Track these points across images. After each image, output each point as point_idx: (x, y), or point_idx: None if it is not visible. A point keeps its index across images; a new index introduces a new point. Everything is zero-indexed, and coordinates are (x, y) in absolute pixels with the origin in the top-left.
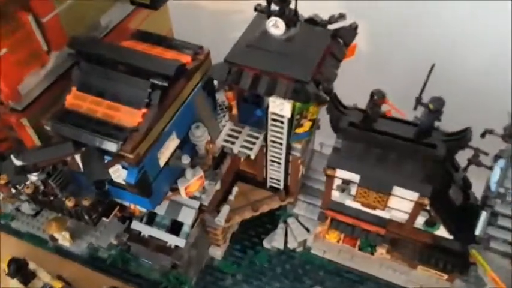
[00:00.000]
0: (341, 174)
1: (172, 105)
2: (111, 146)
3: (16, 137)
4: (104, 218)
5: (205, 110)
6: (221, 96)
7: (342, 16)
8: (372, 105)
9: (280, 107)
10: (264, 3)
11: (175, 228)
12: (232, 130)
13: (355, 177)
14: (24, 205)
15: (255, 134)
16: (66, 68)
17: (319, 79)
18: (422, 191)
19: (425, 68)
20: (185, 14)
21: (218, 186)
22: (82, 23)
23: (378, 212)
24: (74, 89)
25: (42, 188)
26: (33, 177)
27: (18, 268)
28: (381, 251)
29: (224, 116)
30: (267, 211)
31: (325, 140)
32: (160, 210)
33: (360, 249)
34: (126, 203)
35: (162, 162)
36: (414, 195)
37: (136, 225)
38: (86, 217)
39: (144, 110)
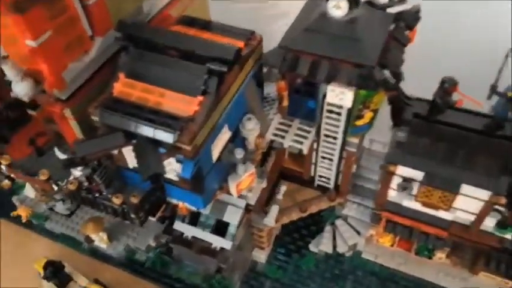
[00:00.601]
0: (402, 171)
1: (227, 93)
2: (167, 137)
3: (55, 130)
4: (150, 217)
5: (255, 100)
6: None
7: (402, 0)
8: (441, 94)
9: (340, 96)
10: None
11: (219, 229)
12: (282, 123)
13: (418, 175)
14: (58, 205)
15: (307, 128)
16: (110, 56)
17: (385, 64)
18: (496, 189)
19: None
20: (220, 5)
21: (264, 184)
22: (125, 8)
23: (440, 213)
24: (122, 75)
25: (86, 184)
26: (77, 172)
27: (55, 271)
28: (440, 255)
29: (271, 108)
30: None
31: (374, 135)
32: (205, 209)
33: (416, 253)
34: (174, 201)
35: (214, 157)
36: (485, 194)
37: (178, 225)
38: (133, 216)
39: (200, 98)
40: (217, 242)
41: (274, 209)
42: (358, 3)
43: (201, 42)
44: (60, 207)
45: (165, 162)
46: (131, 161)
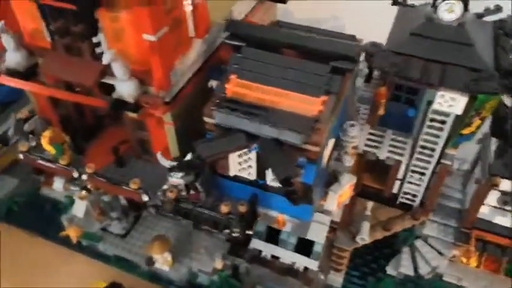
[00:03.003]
0: (503, 184)
1: (342, 95)
2: (295, 138)
3: (141, 137)
4: (248, 231)
5: (353, 106)
6: None
7: (498, 9)
8: None
9: (450, 102)
10: None
11: (299, 247)
12: (372, 134)
13: None
14: (114, 224)
15: (402, 139)
16: (205, 59)
17: (501, 69)
18: None
19: None
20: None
21: (347, 201)
22: (216, 14)
23: None
24: (233, 77)
25: (184, 193)
26: (177, 180)
27: None
28: None
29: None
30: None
31: None
32: (286, 226)
33: (506, 274)
34: (272, 213)
35: (324, 163)
36: None
37: (257, 244)
38: (235, 228)
39: (323, 98)
40: (301, 261)
41: (365, 226)
42: (467, 7)
43: (321, 40)
44: (115, 227)
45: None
46: (234, 167)
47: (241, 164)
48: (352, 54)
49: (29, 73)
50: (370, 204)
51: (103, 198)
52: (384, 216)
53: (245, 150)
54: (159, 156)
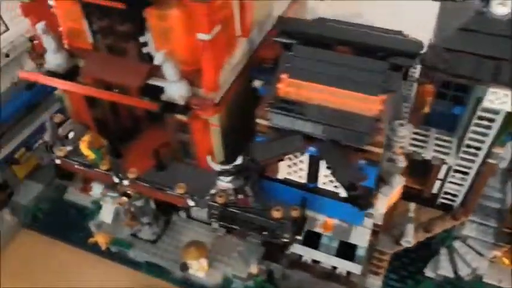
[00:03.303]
0: None
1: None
2: (358, 139)
3: (183, 140)
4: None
5: (400, 104)
6: None
7: None
8: None
9: (502, 99)
10: None
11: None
12: (417, 133)
13: None
14: (144, 229)
15: (447, 138)
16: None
17: None
18: None
19: None
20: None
21: (388, 202)
22: (262, 11)
23: None
24: (284, 76)
25: (232, 198)
26: (226, 184)
27: None
28: None
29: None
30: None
31: None
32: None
33: None
34: (321, 217)
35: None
36: None
37: (297, 248)
38: (287, 233)
39: (383, 96)
40: (345, 266)
41: (409, 229)
42: None
43: (378, 36)
44: (146, 232)
45: (323, 171)
46: (283, 170)
47: (291, 166)
48: (416, 50)
49: (68, 75)
50: (412, 205)
51: (135, 203)
52: (423, 217)
53: (299, 152)
54: (208, 159)
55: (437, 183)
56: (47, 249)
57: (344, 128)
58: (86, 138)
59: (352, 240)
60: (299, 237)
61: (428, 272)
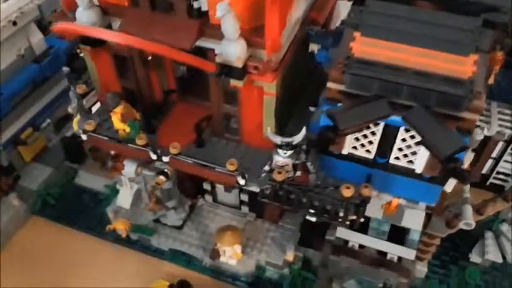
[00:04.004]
0: None
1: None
2: (456, 105)
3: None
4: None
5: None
6: None
7: None
8: None
9: None
10: None
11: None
12: None
13: None
14: (169, 214)
15: (509, 111)
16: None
17: None
18: None
19: None
20: None
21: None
22: None
23: None
24: (357, 34)
25: (292, 175)
26: (285, 159)
27: None
28: None
29: None
30: None
31: None
32: (377, 213)
33: None
34: (385, 196)
35: None
36: None
37: (343, 233)
38: (354, 215)
39: (474, 56)
40: (397, 251)
41: (467, 210)
42: None
43: None
44: (171, 217)
45: (398, 144)
46: (349, 144)
47: (359, 139)
48: (506, 4)
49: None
50: (467, 186)
51: (162, 186)
52: (473, 199)
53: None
54: (269, 131)
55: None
56: (59, 237)
57: (438, 91)
58: (119, 109)
59: (405, 223)
60: (362, 220)
61: (474, 257)
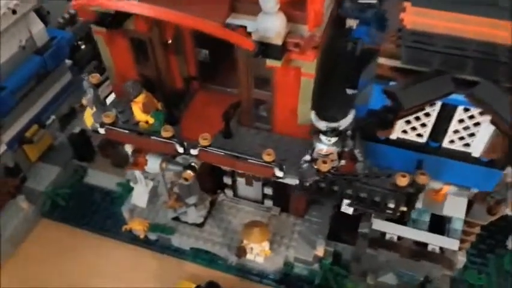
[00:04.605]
0: None
1: None
2: None
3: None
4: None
5: None
6: None
7: None
8: None
9: None
10: None
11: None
12: None
13: None
14: (190, 211)
15: None
16: None
17: None
18: None
19: None
20: None
21: None
22: None
23: None
24: (407, 4)
25: (336, 164)
26: (329, 147)
27: None
28: None
29: None
30: None
31: None
32: (418, 202)
33: None
34: (435, 184)
35: None
36: None
37: (380, 224)
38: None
39: None
40: (439, 242)
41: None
42: None
43: None
44: (192, 215)
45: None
46: (399, 128)
47: (411, 122)
48: None
49: (117, 17)
50: (509, 169)
51: (181, 182)
52: None
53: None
54: (312, 115)
55: None
56: (71, 239)
57: (506, 63)
58: (140, 99)
59: (447, 212)
60: (414, 210)
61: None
